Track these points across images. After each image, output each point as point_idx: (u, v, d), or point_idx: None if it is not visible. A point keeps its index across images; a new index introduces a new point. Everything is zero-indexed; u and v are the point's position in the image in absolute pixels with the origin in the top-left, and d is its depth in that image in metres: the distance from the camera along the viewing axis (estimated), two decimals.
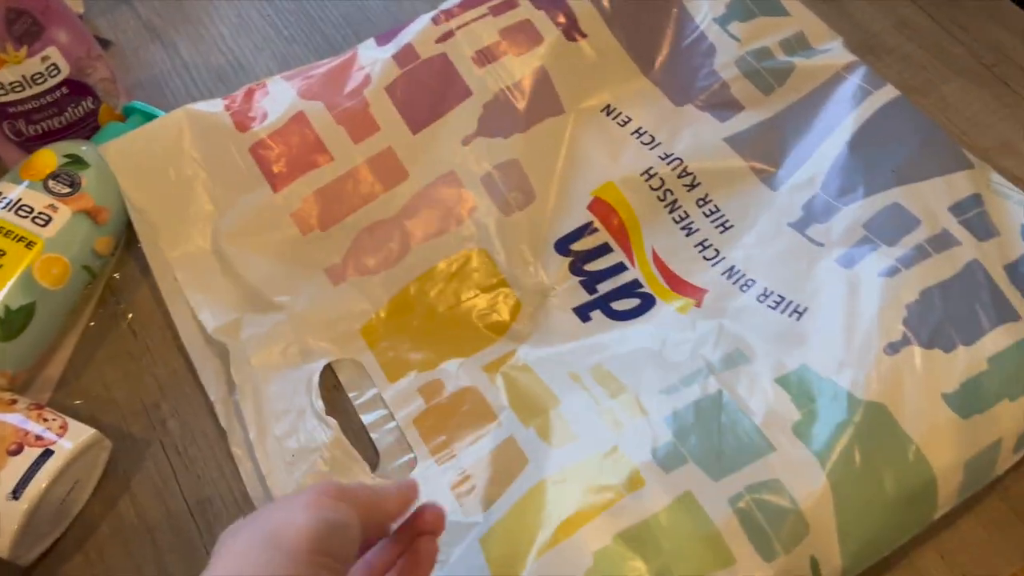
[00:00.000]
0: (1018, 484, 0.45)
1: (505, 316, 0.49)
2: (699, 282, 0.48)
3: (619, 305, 0.49)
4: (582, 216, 0.51)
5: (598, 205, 0.51)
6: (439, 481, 0.43)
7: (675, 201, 0.51)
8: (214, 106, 0.54)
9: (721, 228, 0.49)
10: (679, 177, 0.51)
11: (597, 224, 0.51)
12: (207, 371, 0.50)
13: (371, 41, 0.57)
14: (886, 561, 0.43)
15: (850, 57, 0.53)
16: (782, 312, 0.45)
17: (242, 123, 0.54)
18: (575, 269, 0.50)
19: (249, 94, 0.55)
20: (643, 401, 0.42)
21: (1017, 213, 0.47)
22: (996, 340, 0.42)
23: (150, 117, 0.55)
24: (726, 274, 0.47)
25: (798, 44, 0.55)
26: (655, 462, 0.39)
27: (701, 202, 0.51)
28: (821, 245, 0.48)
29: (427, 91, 0.53)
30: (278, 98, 0.55)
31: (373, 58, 0.55)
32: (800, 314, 0.45)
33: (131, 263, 0.54)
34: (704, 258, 0.49)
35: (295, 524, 0.31)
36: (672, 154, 0.52)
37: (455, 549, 0.40)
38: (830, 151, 0.51)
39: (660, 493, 0.38)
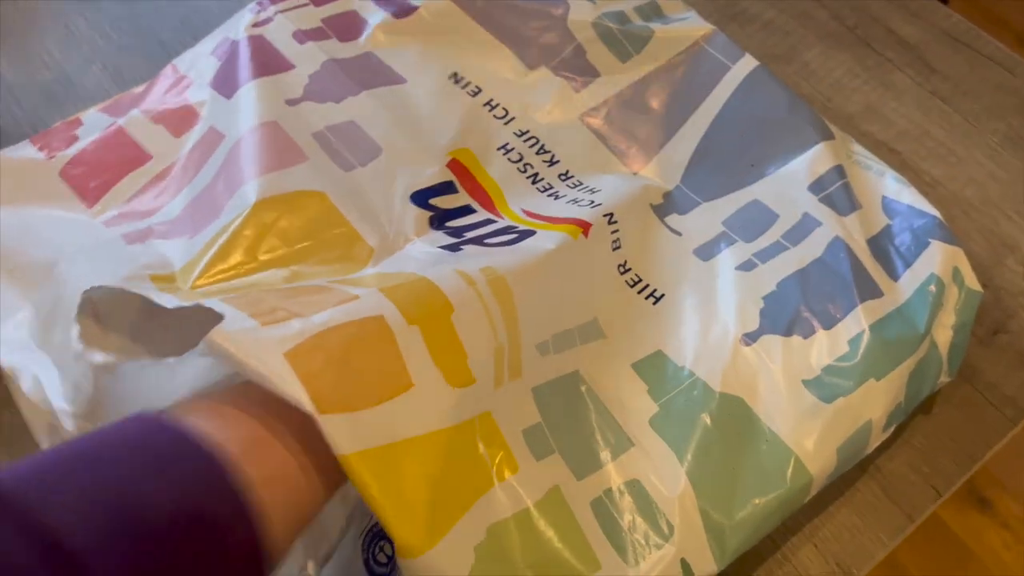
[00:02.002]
0: (889, 463, 0.44)
1: (354, 257, 0.43)
2: (582, 216, 0.44)
3: (494, 240, 0.43)
4: (441, 172, 0.47)
5: (457, 167, 0.47)
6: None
7: (537, 174, 0.48)
8: (22, 150, 0.50)
9: (590, 203, 0.46)
10: (538, 154, 0.48)
11: (457, 185, 0.47)
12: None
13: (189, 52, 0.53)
14: (759, 556, 0.42)
15: (707, 26, 0.51)
16: (639, 292, 0.43)
17: (51, 154, 0.49)
18: (436, 224, 0.45)
19: (61, 127, 0.51)
20: (523, 355, 0.38)
21: (877, 184, 0.46)
22: (857, 320, 0.41)
23: None
24: (606, 217, 0.44)
25: (652, 12, 0.52)
26: (527, 444, 0.37)
27: (563, 176, 0.48)
28: (680, 235, 0.46)
29: (243, 64, 0.49)
30: (92, 125, 0.51)
31: (191, 62, 0.51)
32: (657, 299, 0.43)
33: None
34: (579, 206, 0.45)
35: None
36: (527, 131, 0.49)
37: None
38: (689, 139, 0.49)
39: (531, 484, 0.35)
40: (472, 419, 0.35)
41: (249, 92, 0.48)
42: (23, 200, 0.47)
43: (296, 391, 0.30)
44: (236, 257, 0.41)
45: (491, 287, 0.37)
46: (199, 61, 0.51)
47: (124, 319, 0.39)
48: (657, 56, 0.51)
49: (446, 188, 0.47)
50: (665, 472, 0.38)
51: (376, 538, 0.40)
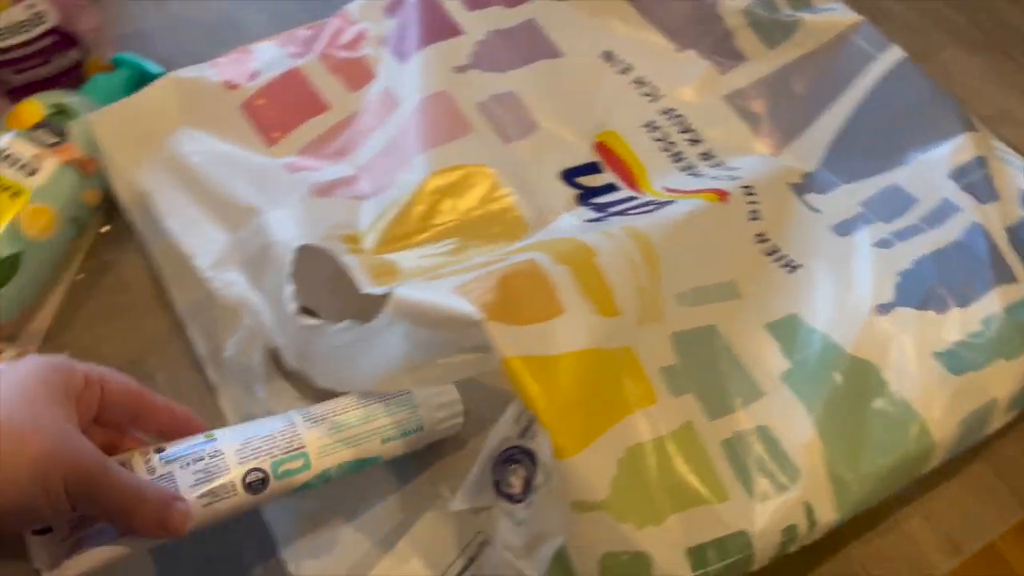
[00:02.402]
0: (1004, 448, 0.45)
1: (512, 230, 0.46)
2: (721, 187, 0.47)
3: (636, 212, 0.46)
4: (588, 154, 0.50)
5: (603, 149, 0.50)
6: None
7: (679, 153, 0.50)
8: (202, 71, 0.54)
9: (729, 177, 0.48)
10: (681, 133, 0.51)
11: (602, 166, 0.50)
12: (195, 328, 0.49)
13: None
14: (871, 522, 0.43)
15: (855, 17, 0.53)
16: (776, 261, 0.45)
17: (231, 83, 0.53)
18: (583, 201, 0.48)
19: (237, 56, 0.55)
20: (663, 301, 0.40)
21: (1018, 178, 0.47)
22: (992, 301, 0.42)
23: (139, 69, 0.54)
24: (743, 189, 0.46)
25: (802, 1, 0.54)
26: (664, 381, 0.39)
27: (705, 156, 0.50)
28: (818, 212, 0.48)
29: (416, 26, 0.52)
30: (267, 58, 0.54)
31: (364, 12, 0.54)
32: (793, 268, 0.45)
33: (119, 222, 0.54)
34: (718, 181, 0.48)
35: None
36: (674, 109, 0.51)
37: None
38: (831, 125, 0.51)
39: (667, 416, 0.38)
40: (618, 348, 0.38)
41: (421, 59, 0.51)
42: (205, 125, 0.51)
43: (466, 307, 0.34)
44: (412, 225, 0.45)
45: (632, 238, 0.41)
46: (371, 12, 0.54)
47: (319, 274, 0.43)
48: (804, 44, 0.53)
49: (592, 168, 0.50)
50: (794, 421, 0.39)
51: (507, 462, 0.42)
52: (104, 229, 0.53)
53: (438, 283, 0.38)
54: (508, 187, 0.47)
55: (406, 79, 0.51)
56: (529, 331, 0.36)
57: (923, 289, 0.43)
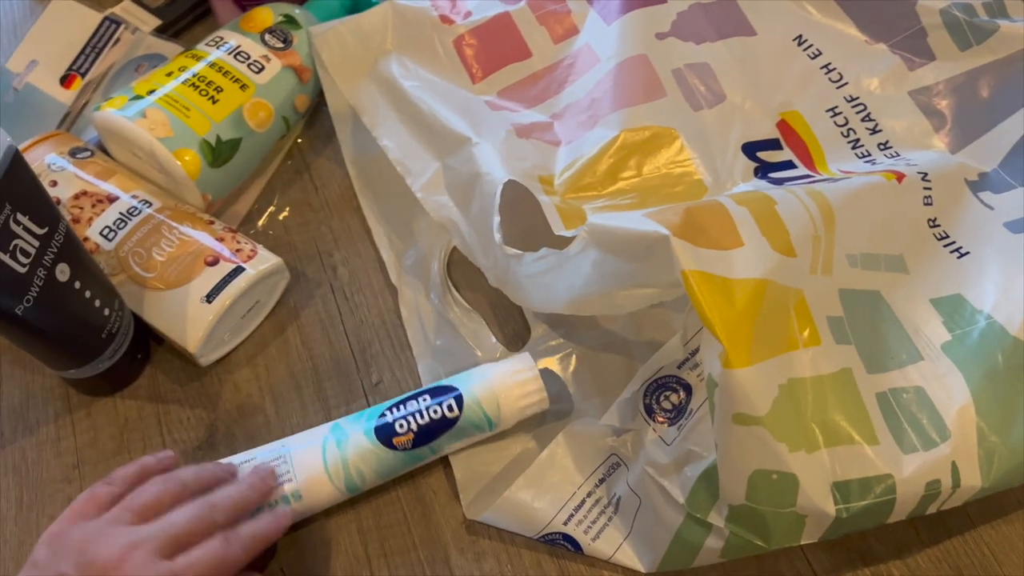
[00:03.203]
0: None
1: (693, 192, 0.49)
2: (898, 169, 0.48)
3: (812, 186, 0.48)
4: (770, 130, 0.52)
5: (785, 127, 0.52)
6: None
7: (858, 140, 0.52)
8: (421, 1, 0.58)
9: (906, 164, 0.49)
10: (863, 120, 0.52)
11: (783, 143, 0.52)
12: (381, 234, 0.54)
13: None
14: (1002, 509, 0.44)
15: None
16: (945, 246, 0.46)
17: (446, 18, 0.57)
18: (760, 174, 0.51)
19: None
20: (835, 258, 0.42)
21: None
22: None
23: None
24: (920, 175, 0.47)
25: (999, 10, 0.55)
26: (829, 328, 0.40)
27: (882, 146, 0.52)
28: (991, 208, 0.48)
29: None
30: None
31: None
32: (962, 255, 0.46)
33: (315, 131, 0.59)
34: (893, 165, 0.49)
35: None
36: (857, 97, 0.53)
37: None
38: (1014, 131, 0.51)
39: (829, 359, 0.39)
40: (790, 288, 0.40)
41: (625, 24, 0.54)
42: (418, 54, 0.55)
43: (653, 226, 0.38)
44: (599, 176, 0.48)
45: (811, 196, 0.43)
46: None
47: (518, 208, 0.47)
48: (996, 50, 0.53)
49: (772, 144, 0.52)
50: (951, 388, 0.40)
51: (661, 388, 0.45)
52: (299, 140, 0.58)
53: (628, 213, 0.41)
54: (693, 152, 0.50)
55: (608, 39, 0.54)
56: (711, 254, 0.38)
57: None
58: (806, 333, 0.39)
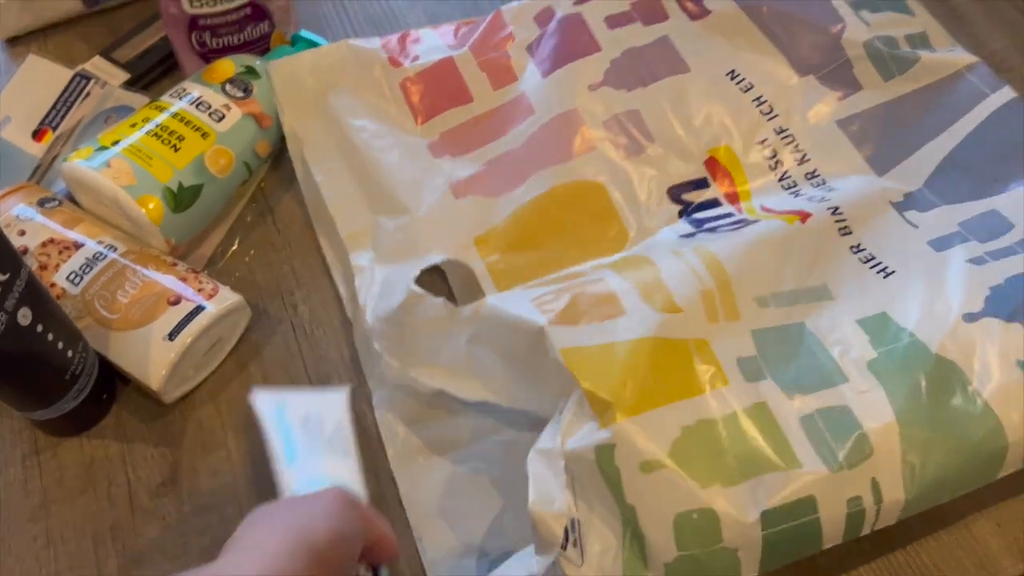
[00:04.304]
0: None
1: (615, 243, 0.53)
2: (805, 209, 0.51)
3: (726, 228, 0.51)
4: (698, 169, 0.54)
5: (712, 164, 0.55)
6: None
7: (786, 172, 0.54)
8: (372, 43, 0.61)
9: (821, 198, 0.51)
10: (791, 152, 0.55)
11: (710, 181, 0.54)
12: (337, 270, 0.56)
13: (515, 2, 0.62)
14: (943, 520, 0.45)
15: (972, 58, 0.56)
16: (872, 267, 0.48)
17: (395, 60, 0.60)
18: (685, 216, 0.53)
19: (403, 38, 0.61)
20: (739, 304, 0.45)
21: None
22: None
23: (314, 46, 0.62)
24: (830, 210, 0.50)
25: (921, 42, 0.58)
26: (739, 368, 0.42)
27: (810, 175, 0.54)
28: (916, 227, 0.51)
29: (560, 44, 0.58)
30: (428, 45, 0.61)
31: (516, 17, 0.61)
32: (888, 274, 0.48)
33: (279, 174, 0.61)
34: (810, 201, 0.52)
35: (317, 529, 0.33)
36: (787, 129, 0.55)
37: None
38: (937, 152, 0.54)
39: (740, 396, 0.41)
40: (686, 340, 0.43)
41: (558, 78, 0.57)
42: (368, 92, 0.58)
43: (537, 318, 0.43)
44: (525, 232, 0.53)
45: (696, 253, 0.47)
46: (523, 17, 0.60)
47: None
48: (919, 79, 0.56)
49: (700, 184, 0.55)
50: (874, 405, 0.41)
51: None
52: (262, 184, 0.60)
53: (521, 292, 0.46)
54: (618, 203, 0.54)
55: (542, 92, 0.57)
56: (591, 328, 0.43)
57: (1012, 304, 0.45)
58: (711, 376, 0.42)
